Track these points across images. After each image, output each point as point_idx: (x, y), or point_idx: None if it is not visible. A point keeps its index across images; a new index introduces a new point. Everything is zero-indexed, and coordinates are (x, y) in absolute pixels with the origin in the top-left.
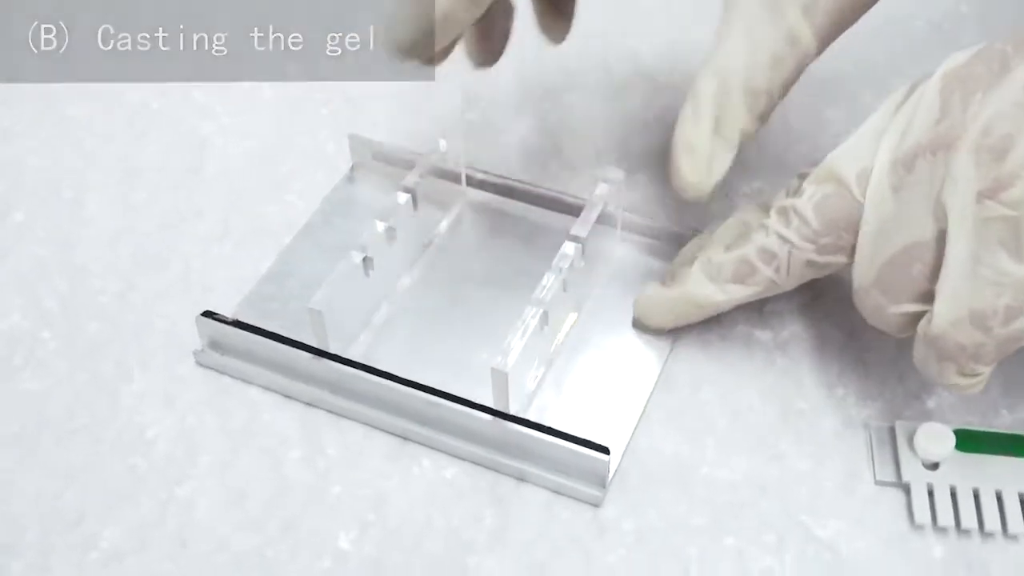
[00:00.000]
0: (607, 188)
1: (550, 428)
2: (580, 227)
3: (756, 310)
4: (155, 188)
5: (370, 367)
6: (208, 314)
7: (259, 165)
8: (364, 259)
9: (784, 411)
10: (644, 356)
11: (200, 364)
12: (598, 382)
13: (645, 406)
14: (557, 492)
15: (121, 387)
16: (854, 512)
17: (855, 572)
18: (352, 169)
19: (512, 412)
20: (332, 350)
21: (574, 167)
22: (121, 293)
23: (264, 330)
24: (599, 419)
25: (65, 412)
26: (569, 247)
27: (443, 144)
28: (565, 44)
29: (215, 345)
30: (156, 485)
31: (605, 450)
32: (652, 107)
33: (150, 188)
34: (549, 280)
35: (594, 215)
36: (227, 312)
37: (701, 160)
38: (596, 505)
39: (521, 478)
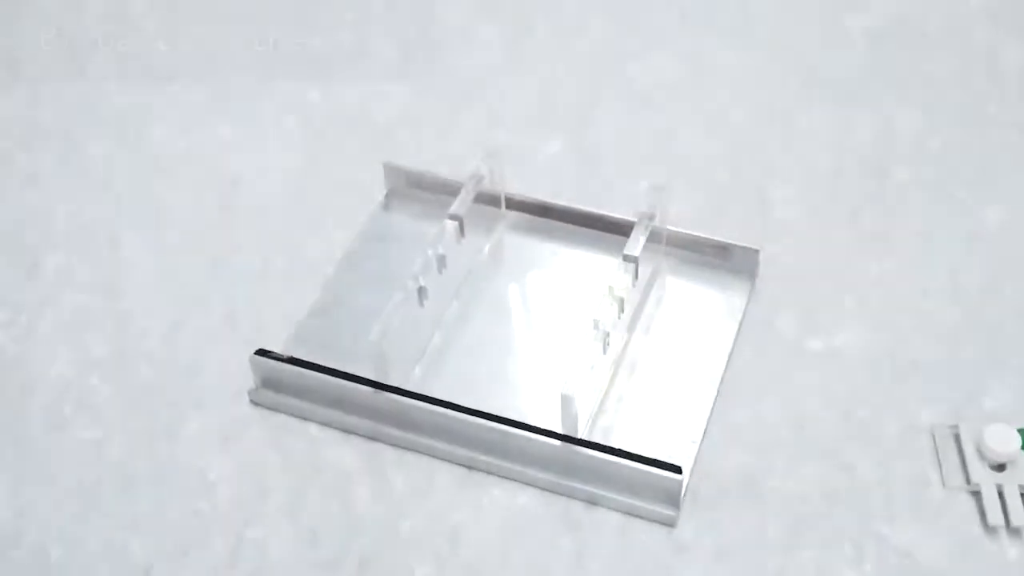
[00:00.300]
0: (654, 204)
1: (620, 450)
2: (632, 246)
3: (806, 317)
4: (190, 228)
5: (432, 398)
6: (261, 352)
7: (292, 198)
8: (419, 289)
9: (846, 418)
10: (701, 372)
11: (255, 403)
12: (658, 400)
13: (707, 422)
14: (630, 514)
15: (177, 430)
16: (927, 517)
17: None
18: (387, 196)
19: (580, 436)
20: (392, 382)
21: (609, 182)
22: (168, 335)
23: (320, 366)
24: (664, 437)
25: (123, 459)
26: (622, 268)
27: (482, 167)
28: (584, 59)
29: (269, 383)
30: (224, 528)
31: (677, 469)
32: (675, 118)
33: (185, 228)
34: (606, 301)
35: (644, 234)
36: (278, 348)
37: None
38: (671, 525)
39: (592, 502)
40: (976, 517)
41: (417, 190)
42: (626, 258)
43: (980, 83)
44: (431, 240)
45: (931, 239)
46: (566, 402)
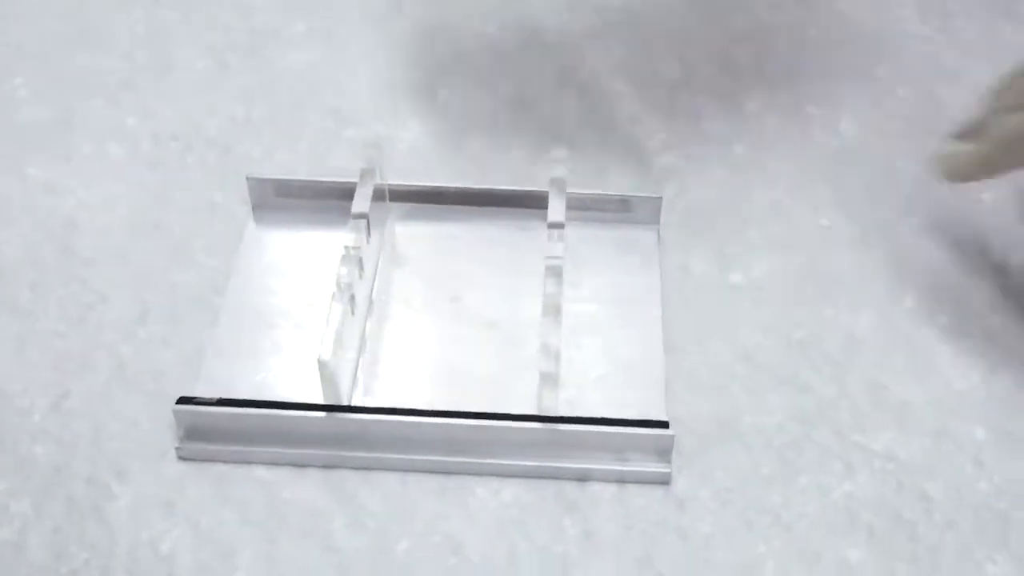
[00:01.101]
0: (562, 169)
1: (606, 419)
2: (555, 214)
3: (719, 255)
4: (40, 284)
5: (396, 408)
6: (185, 400)
7: (146, 232)
8: (351, 298)
9: (788, 342)
10: (641, 326)
11: (185, 458)
12: (611, 363)
13: (665, 375)
14: (623, 481)
15: (105, 509)
16: (894, 419)
17: (920, 475)
18: (254, 212)
19: (560, 413)
20: (342, 401)
21: (475, 157)
22: (54, 408)
23: (258, 401)
24: (629, 398)
25: (55, 554)
26: (554, 236)
27: (371, 162)
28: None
29: (196, 433)
30: None
31: (665, 424)
32: (522, 84)
33: (34, 285)
34: (549, 273)
35: (562, 200)
36: (184, 395)
37: None
38: (665, 483)
39: (582, 478)
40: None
41: (287, 199)
42: (553, 226)
43: None
44: (347, 242)
45: (801, 158)
46: (546, 380)
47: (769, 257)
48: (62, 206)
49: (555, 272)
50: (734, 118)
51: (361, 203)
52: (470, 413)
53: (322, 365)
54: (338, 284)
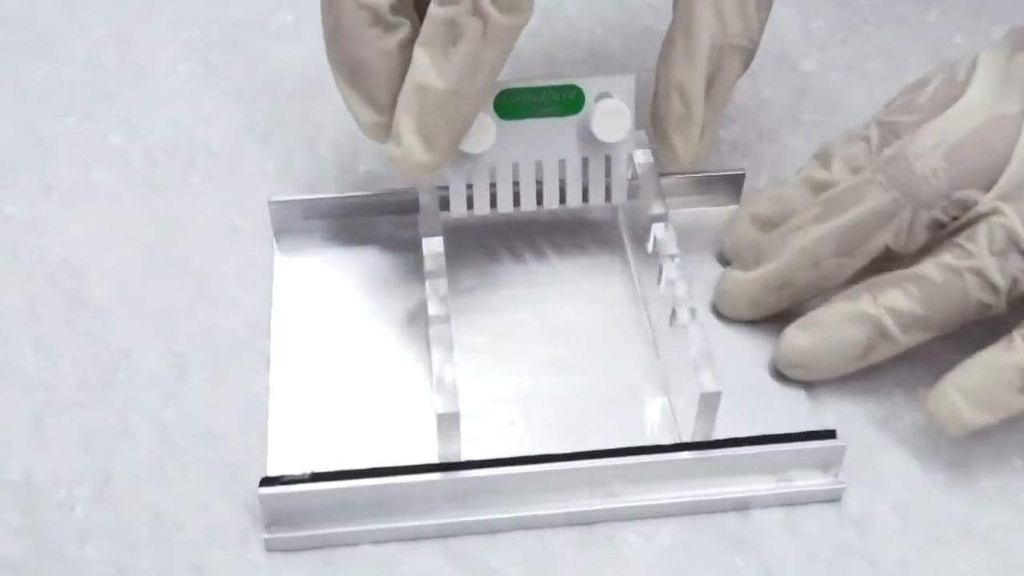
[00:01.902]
0: (646, 154)
1: (765, 436)
2: (658, 205)
3: None
4: (48, 344)
5: (522, 457)
6: (270, 481)
7: (161, 270)
8: (449, 339)
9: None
10: (756, 327)
11: (275, 549)
12: (743, 373)
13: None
14: (788, 504)
15: None
16: None
17: None
18: (277, 238)
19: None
20: (461, 456)
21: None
22: (98, 494)
23: (364, 469)
24: (772, 410)
25: None
26: (660, 230)
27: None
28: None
29: (286, 517)
30: None
31: (832, 434)
32: None
33: (40, 346)
34: (671, 273)
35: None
36: (256, 469)
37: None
38: (836, 500)
39: (743, 507)
40: None
41: (314, 220)
42: (655, 218)
43: None
44: (430, 271)
45: None
46: (708, 401)
47: None
48: (53, 248)
49: (677, 270)
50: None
51: (432, 223)
52: (606, 451)
53: (442, 420)
54: (434, 325)
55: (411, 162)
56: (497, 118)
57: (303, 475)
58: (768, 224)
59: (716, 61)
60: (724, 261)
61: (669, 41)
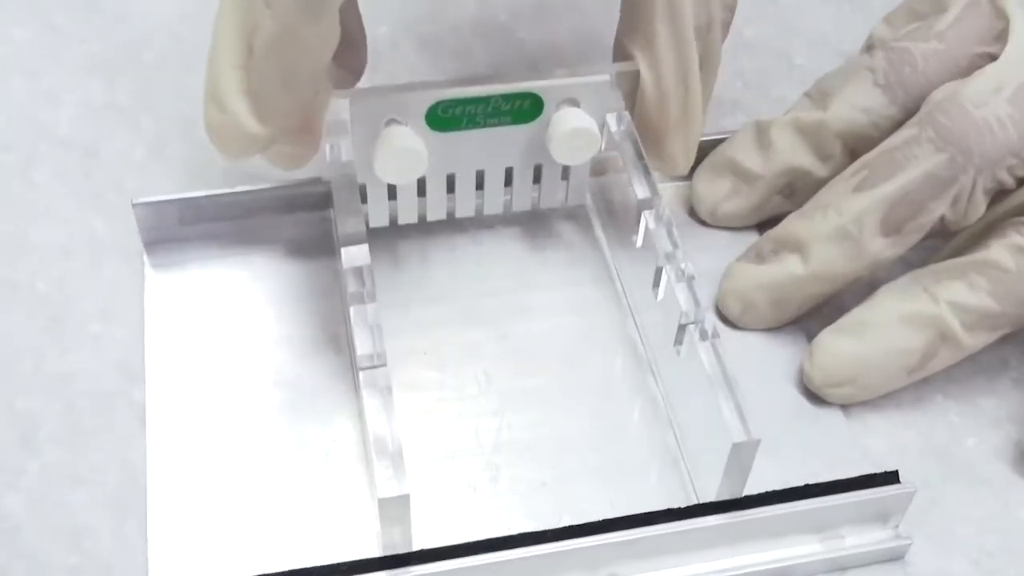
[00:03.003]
0: (621, 120)
1: (808, 487)
2: (643, 187)
3: None
4: None
5: (502, 539)
6: None
7: (2, 300)
8: (385, 383)
9: None
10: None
11: None
12: (760, 393)
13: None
14: (840, 570)
15: None
16: None
17: None
18: (148, 251)
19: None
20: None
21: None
22: None
23: (288, 572)
24: (802, 443)
25: None
26: (651, 219)
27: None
28: None
29: None
30: None
31: (894, 477)
32: None
33: None
34: (670, 283)
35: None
36: None
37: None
38: (899, 558)
39: None
40: None
41: (194, 226)
42: (643, 204)
43: None
44: (351, 292)
45: None
46: (742, 451)
47: None
48: None
49: (680, 273)
50: None
51: (351, 222)
52: (602, 523)
53: (385, 505)
54: (363, 368)
55: (236, 133)
56: (429, 130)
57: None
58: (746, 178)
59: (701, 46)
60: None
61: (648, 33)
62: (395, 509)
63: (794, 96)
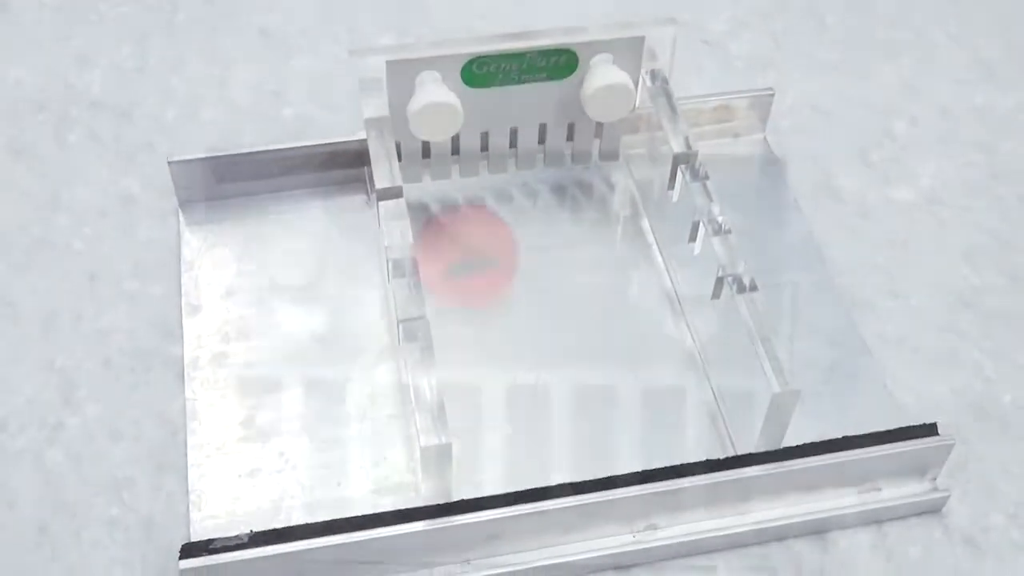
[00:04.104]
0: (658, 74)
1: (847, 439)
2: (678, 140)
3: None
4: None
5: (536, 490)
6: (191, 551)
7: (39, 256)
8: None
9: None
10: (806, 277)
11: None
12: (812, 358)
13: (866, 344)
14: (877, 522)
15: None
16: None
17: None
18: (183, 210)
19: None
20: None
21: None
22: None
23: (330, 522)
24: (835, 394)
25: None
26: (687, 174)
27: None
28: None
29: None
30: None
31: (932, 429)
32: None
33: None
34: (707, 237)
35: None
36: (174, 529)
37: None
38: (936, 511)
39: (821, 530)
40: None
41: (230, 184)
42: (679, 159)
43: None
44: (386, 243)
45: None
46: (782, 401)
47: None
48: None
49: (718, 227)
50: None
51: (387, 178)
52: (640, 474)
53: (428, 453)
54: (405, 326)
55: None
56: (464, 87)
57: (240, 537)
58: None
59: None
60: None
61: None
62: (436, 458)
63: (824, 56)
